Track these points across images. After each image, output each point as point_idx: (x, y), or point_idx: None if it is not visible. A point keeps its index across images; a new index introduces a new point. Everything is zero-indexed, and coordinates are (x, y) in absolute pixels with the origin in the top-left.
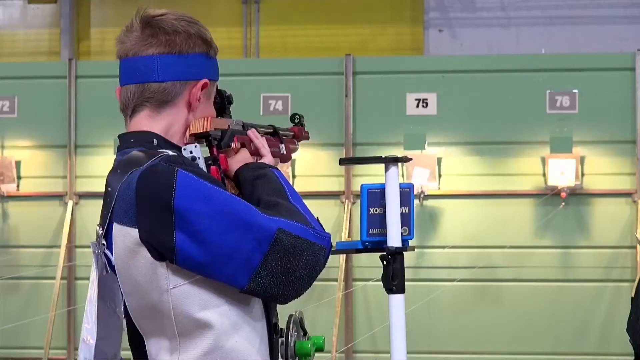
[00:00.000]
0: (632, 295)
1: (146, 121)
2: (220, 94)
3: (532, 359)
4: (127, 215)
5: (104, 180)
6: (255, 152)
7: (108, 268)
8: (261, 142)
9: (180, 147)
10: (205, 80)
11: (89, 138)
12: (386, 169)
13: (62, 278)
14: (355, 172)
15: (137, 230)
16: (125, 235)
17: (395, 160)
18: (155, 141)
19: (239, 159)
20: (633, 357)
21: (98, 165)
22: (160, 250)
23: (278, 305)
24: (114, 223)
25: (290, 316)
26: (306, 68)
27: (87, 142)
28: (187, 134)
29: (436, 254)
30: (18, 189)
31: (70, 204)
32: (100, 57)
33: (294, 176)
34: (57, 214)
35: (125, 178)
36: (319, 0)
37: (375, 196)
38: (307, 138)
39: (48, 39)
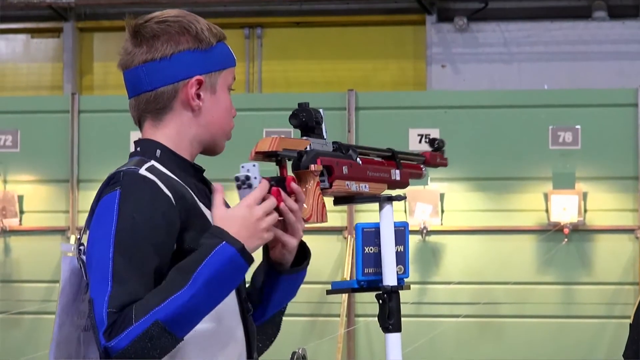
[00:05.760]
0: (631, 322)
1: (150, 130)
2: (306, 111)
3: None
4: (90, 220)
5: None
6: (354, 177)
7: (85, 275)
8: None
9: (185, 159)
10: (198, 77)
11: (92, 173)
12: (380, 208)
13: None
14: (358, 208)
15: None
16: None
17: (389, 199)
18: (158, 152)
19: (224, 215)
20: None
21: None
22: None
23: (280, 343)
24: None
25: (294, 353)
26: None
27: (89, 176)
28: (253, 151)
29: (439, 290)
30: (20, 224)
31: (72, 238)
32: (103, 92)
33: None
34: (59, 248)
35: None
36: (322, 35)
37: (370, 235)
38: (445, 164)
39: (51, 73)
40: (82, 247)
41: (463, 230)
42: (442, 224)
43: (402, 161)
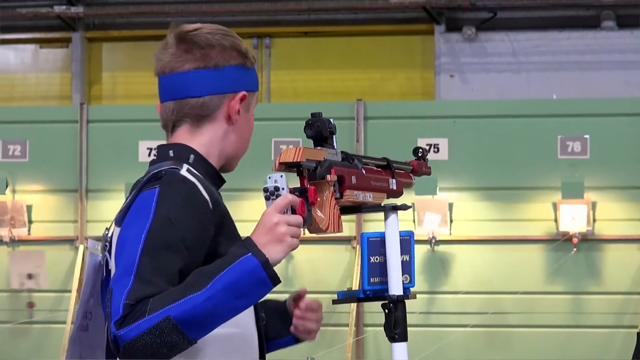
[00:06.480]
0: (639, 331)
1: (186, 136)
2: (321, 121)
3: None
4: (122, 216)
5: None
6: (361, 187)
7: (104, 272)
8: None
9: (214, 168)
10: (244, 92)
11: (100, 182)
12: (385, 217)
13: (72, 323)
14: (366, 217)
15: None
16: (116, 235)
17: (394, 209)
18: (191, 157)
19: (260, 231)
20: None
21: (109, 210)
22: None
23: (289, 353)
24: (114, 226)
25: None
26: None
27: (98, 186)
28: (277, 161)
29: (447, 300)
30: (29, 233)
31: (81, 248)
32: (111, 102)
33: None
34: (68, 258)
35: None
36: (330, 45)
37: (375, 245)
38: (429, 173)
39: (59, 83)
40: (107, 244)
41: (471, 239)
42: (450, 234)
43: (396, 170)
